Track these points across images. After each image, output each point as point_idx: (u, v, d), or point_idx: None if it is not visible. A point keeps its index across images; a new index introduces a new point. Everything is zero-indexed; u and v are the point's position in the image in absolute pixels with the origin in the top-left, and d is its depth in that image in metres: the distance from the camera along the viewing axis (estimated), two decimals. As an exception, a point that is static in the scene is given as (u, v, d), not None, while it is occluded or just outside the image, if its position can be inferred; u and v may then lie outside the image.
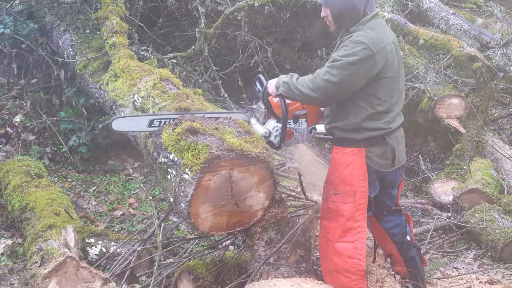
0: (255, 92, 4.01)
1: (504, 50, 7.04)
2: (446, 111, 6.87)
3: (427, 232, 5.47)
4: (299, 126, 3.88)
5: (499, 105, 8.12)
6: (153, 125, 3.92)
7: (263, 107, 3.90)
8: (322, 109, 3.98)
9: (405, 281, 4.32)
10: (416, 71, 7.10)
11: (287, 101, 3.81)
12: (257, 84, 3.99)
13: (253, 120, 3.97)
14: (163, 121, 3.88)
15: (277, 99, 3.83)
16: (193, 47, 7.16)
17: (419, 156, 7.03)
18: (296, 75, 3.75)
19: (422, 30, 7.50)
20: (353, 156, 3.77)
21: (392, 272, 4.32)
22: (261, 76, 4.02)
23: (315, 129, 3.96)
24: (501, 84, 7.41)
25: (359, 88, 3.62)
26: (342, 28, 3.75)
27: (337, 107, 3.79)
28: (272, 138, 3.82)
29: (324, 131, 3.97)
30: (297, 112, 3.83)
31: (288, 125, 3.84)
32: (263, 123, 3.88)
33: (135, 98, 4.59)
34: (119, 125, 4.03)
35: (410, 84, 7.07)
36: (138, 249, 4.77)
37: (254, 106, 4.02)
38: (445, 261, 5.20)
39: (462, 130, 6.79)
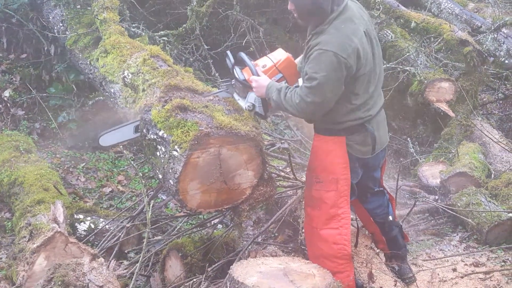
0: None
1: (495, 35, 7.06)
2: (436, 95, 6.89)
3: (414, 214, 5.51)
4: None
5: (488, 89, 8.15)
6: (140, 130, 3.92)
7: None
8: (300, 64, 3.89)
9: (391, 262, 4.36)
10: (407, 54, 7.10)
11: (260, 70, 3.77)
12: (227, 60, 3.90)
13: (235, 96, 3.91)
14: None
15: (249, 70, 3.77)
16: (185, 25, 7.12)
17: (408, 139, 7.06)
18: (283, 90, 3.62)
19: (414, 13, 7.50)
20: (333, 145, 3.74)
21: (377, 251, 4.36)
22: (228, 52, 3.93)
23: (299, 86, 3.79)
24: (491, 69, 7.44)
25: (342, 90, 3.57)
26: (309, 25, 3.66)
27: None
28: (257, 110, 3.78)
29: None
30: (273, 79, 3.76)
31: None
32: (245, 97, 3.82)
33: (125, 74, 4.58)
34: (106, 140, 4.03)
35: (401, 67, 7.08)
36: (127, 225, 4.78)
37: (233, 82, 3.94)
38: (431, 243, 5.24)
39: (451, 114, 6.82)
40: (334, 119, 3.68)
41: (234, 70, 3.84)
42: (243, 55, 3.87)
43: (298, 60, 3.95)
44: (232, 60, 3.87)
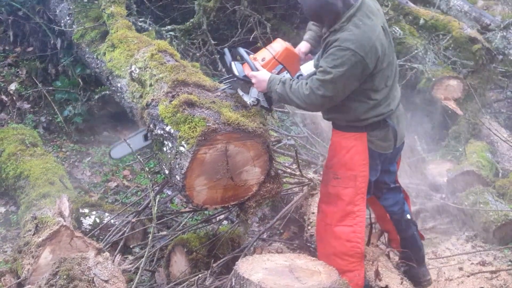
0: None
1: (504, 33, 7.03)
2: (444, 93, 6.86)
3: (420, 212, 5.49)
4: None
5: (496, 88, 8.10)
6: (149, 138, 3.93)
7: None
8: (302, 50, 3.88)
9: (401, 263, 4.31)
10: (415, 51, 7.07)
11: (259, 63, 3.72)
12: (225, 58, 3.85)
13: (240, 91, 3.84)
14: None
15: (247, 66, 3.72)
16: (192, 20, 7.09)
17: (415, 136, 7.03)
18: (288, 81, 3.57)
19: (422, 10, 7.46)
20: (354, 141, 3.69)
21: (388, 250, 4.32)
22: (226, 50, 3.89)
23: (302, 74, 3.79)
24: (499, 67, 7.40)
25: (354, 89, 3.53)
26: (324, 25, 3.61)
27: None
28: (262, 103, 3.73)
29: (314, 69, 3.77)
30: (274, 71, 3.70)
31: None
32: (248, 93, 3.75)
33: (132, 69, 4.55)
34: (117, 152, 4.13)
35: (409, 64, 7.04)
36: (133, 220, 4.76)
37: (235, 79, 3.84)
38: (437, 242, 5.23)
39: (459, 112, 6.79)
40: (356, 117, 3.63)
41: (233, 67, 3.77)
42: (241, 50, 3.81)
43: (299, 49, 3.90)
44: (230, 58, 3.81)
